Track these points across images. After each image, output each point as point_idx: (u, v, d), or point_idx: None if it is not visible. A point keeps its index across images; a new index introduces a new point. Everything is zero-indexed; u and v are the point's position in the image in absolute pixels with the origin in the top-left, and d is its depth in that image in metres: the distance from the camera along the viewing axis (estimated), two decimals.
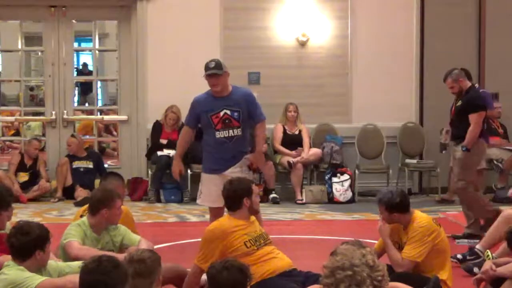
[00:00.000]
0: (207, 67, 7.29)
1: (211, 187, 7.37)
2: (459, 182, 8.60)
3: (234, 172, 7.26)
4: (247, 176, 7.33)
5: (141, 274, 4.13)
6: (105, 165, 12.27)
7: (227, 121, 7.30)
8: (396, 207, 5.91)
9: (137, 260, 4.22)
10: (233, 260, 4.35)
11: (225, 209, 7.43)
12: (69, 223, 6.27)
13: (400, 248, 5.96)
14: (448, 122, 9.06)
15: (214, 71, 7.26)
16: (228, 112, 7.29)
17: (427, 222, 5.91)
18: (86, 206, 6.53)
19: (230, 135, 7.32)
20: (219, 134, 7.32)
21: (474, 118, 8.43)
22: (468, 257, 7.22)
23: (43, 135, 13.09)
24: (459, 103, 8.57)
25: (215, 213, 7.30)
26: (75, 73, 15.53)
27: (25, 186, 11.56)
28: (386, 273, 3.58)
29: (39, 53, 15.36)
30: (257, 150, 7.65)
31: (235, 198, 6.03)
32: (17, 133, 14.22)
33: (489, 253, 6.82)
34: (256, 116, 7.47)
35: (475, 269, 6.98)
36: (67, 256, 5.77)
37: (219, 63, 7.32)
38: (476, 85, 11.22)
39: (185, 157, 11.58)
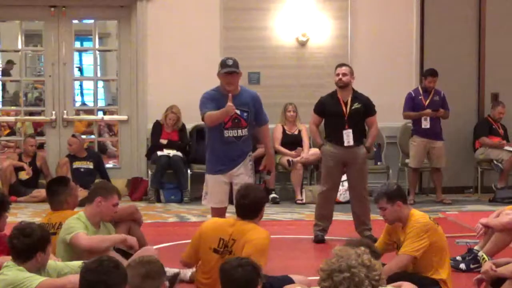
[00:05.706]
0: (225, 65, 7.22)
1: (217, 188, 7.36)
2: (366, 186, 8.56)
3: (240, 171, 7.28)
4: (252, 177, 7.37)
5: (152, 275, 4.15)
6: (106, 166, 12.25)
7: (236, 120, 7.26)
8: (397, 194, 5.97)
9: (147, 261, 4.23)
10: (247, 259, 4.36)
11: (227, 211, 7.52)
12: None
13: (398, 247, 5.99)
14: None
15: (234, 69, 7.23)
16: (238, 112, 7.23)
17: (423, 219, 5.96)
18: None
19: (238, 134, 7.28)
20: (228, 133, 7.26)
21: (375, 120, 8.57)
22: (467, 258, 7.21)
23: (39, 134, 13.08)
24: (358, 106, 8.42)
25: (219, 214, 7.27)
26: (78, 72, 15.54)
27: (28, 184, 11.57)
28: (382, 272, 3.58)
29: (37, 52, 15.36)
30: (268, 153, 7.66)
31: (258, 205, 5.91)
32: (13, 133, 14.21)
33: (484, 255, 6.81)
34: (262, 119, 7.48)
35: (462, 265, 7.07)
36: (77, 249, 5.71)
37: (236, 61, 7.30)
38: None
39: (185, 157, 11.67)
